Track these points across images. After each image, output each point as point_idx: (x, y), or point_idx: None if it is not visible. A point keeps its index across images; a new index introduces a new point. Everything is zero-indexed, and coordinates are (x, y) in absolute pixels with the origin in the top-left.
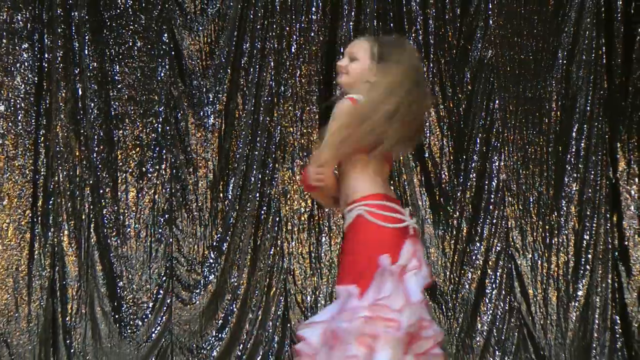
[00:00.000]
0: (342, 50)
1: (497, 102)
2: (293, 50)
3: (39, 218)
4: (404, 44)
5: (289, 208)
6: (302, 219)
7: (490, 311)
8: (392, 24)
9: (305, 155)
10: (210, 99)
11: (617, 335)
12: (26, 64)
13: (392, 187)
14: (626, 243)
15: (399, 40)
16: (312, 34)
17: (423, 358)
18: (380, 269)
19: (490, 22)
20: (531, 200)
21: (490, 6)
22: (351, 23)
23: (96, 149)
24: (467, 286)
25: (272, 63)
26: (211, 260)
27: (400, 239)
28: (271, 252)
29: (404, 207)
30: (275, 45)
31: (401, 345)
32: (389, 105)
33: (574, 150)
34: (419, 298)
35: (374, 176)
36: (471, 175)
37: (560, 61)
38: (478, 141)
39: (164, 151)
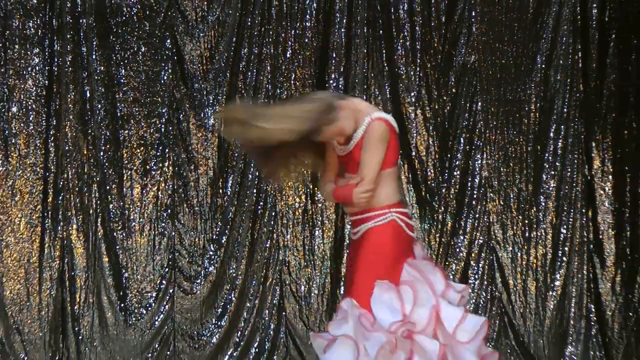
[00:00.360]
0: (334, 55)
1: (479, 104)
2: (288, 55)
3: (49, 213)
4: None
5: (284, 203)
6: (297, 213)
7: (473, 300)
8: (381, 31)
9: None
10: (211, 101)
11: (592, 323)
12: (37, 68)
13: None
14: (600, 237)
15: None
16: (306, 40)
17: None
18: (407, 277)
19: (473, 29)
20: (511, 196)
21: (473, 14)
22: (343, 30)
23: (103, 147)
24: (451, 277)
25: (268, 67)
26: (211, 253)
27: (413, 242)
28: (267, 245)
29: None
30: (272, 51)
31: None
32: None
33: (551, 149)
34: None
35: (394, 185)
36: (455, 173)
37: (539, 65)
38: (462, 141)
39: (167, 150)
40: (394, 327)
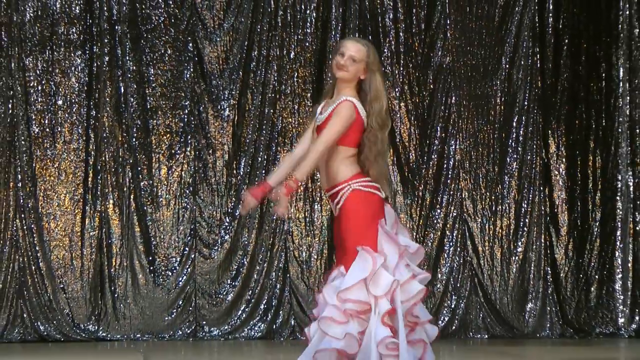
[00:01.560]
0: (330, 57)
1: (453, 98)
2: (292, 56)
3: (90, 190)
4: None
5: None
6: (299, 190)
7: (448, 264)
8: (370, 36)
9: None
10: (226, 96)
11: (549, 283)
12: (79, 67)
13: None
14: (556, 210)
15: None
16: (307, 44)
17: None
18: (381, 232)
19: (448, 34)
20: (480, 176)
21: (448, 22)
22: (338, 35)
23: (135, 135)
24: (429, 244)
25: (275, 67)
26: (226, 224)
27: (383, 205)
28: (274, 217)
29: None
30: (278, 53)
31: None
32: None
33: (514, 136)
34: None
35: (353, 162)
36: (433, 156)
37: (504, 66)
38: (438, 129)
39: (189, 137)
40: (341, 297)
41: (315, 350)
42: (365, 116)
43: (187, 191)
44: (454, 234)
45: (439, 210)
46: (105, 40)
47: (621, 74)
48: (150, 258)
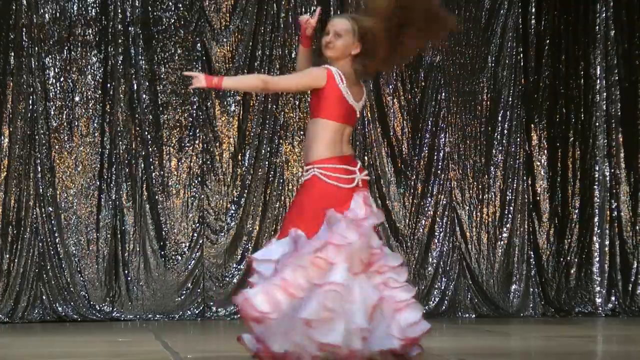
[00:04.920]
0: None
1: (443, 94)
2: (293, 56)
3: (105, 180)
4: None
5: (289, 172)
6: (300, 180)
7: (438, 249)
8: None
9: (302, 134)
10: (232, 92)
11: (532, 266)
12: (95, 65)
13: (366, 159)
14: (538, 198)
15: (366, 7)
16: None
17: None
18: (328, 217)
19: None
20: (468, 166)
21: None
22: None
23: (147, 129)
24: (421, 230)
25: (277, 65)
26: (232, 211)
27: (349, 195)
28: (277, 205)
29: (357, 161)
30: (280, 52)
31: (356, 263)
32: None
33: (499, 130)
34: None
35: (331, 138)
36: (424, 148)
37: (490, 64)
38: (429, 123)
39: (198, 131)
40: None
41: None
42: (346, 92)
43: (196, 181)
44: (444, 221)
45: (429, 199)
46: (120, 41)
47: (598, 72)
48: (162, 243)
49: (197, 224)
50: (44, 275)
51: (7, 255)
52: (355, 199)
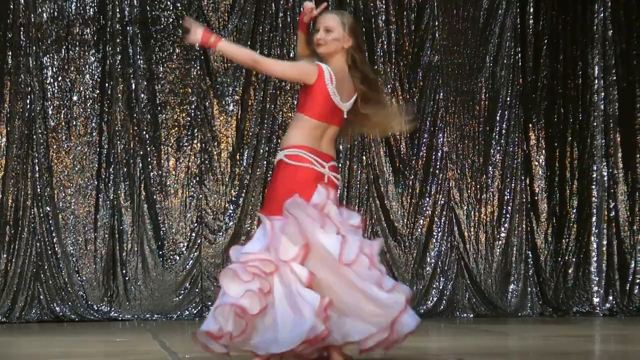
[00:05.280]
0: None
1: (441, 94)
2: (291, 55)
3: (103, 180)
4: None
5: None
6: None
7: (437, 248)
8: (364, 37)
9: None
10: (230, 92)
11: (530, 266)
12: (94, 65)
13: (364, 158)
14: (536, 198)
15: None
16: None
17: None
18: (290, 201)
19: (437, 35)
20: (466, 166)
21: (437, 23)
22: None
23: (145, 128)
24: (419, 230)
25: None
26: (230, 211)
27: (313, 182)
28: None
29: (332, 163)
30: (278, 52)
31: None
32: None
33: (497, 129)
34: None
35: (308, 132)
36: (423, 148)
37: (488, 64)
38: (428, 123)
39: (196, 130)
40: (243, 259)
41: (215, 307)
42: (333, 92)
43: (194, 181)
44: (442, 221)
45: (428, 199)
46: (118, 40)
47: (596, 72)
48: (160, 243)
49: (195, 224)
50: (42, 275)
51: (5, 255)
52: (319, 190)
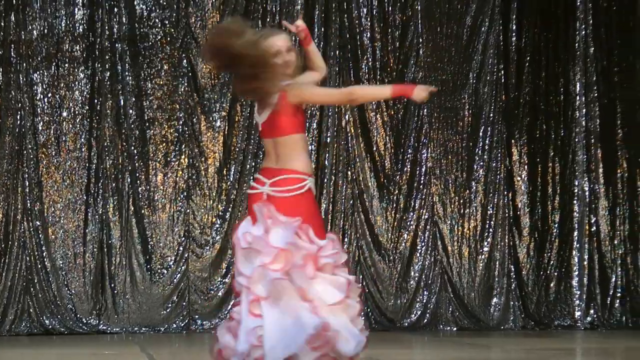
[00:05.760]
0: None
1: (425, 110)
2: None
3: (92, 194)
4: None
5: None
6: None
7: (420, 262)
8: (349, 54)
9: None
10: (217, 108)
11: (512, 280)
12: (83, 81)
13: (349, 173)
14: (518, 213)
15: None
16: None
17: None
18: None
19: (421, 52)
20: (450, 181)
21: (421, 41)
22: (320, 53)
23: (134, 144)
24: (403, 244)
25: None
26: (217, 225)
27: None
28: None
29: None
30: None
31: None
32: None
33: (480, 145)
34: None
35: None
36: (407, 164)
37: (471, 81)
38: (412, 139)
39: (183, 146)
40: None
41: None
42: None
43: (182, 196)
44: (426, 235)
45: (412, 213)
46: (107, 57)
47: (578, 88)
48: (148, 257)
49: (183, 238)
50: (32, 289)
51: None
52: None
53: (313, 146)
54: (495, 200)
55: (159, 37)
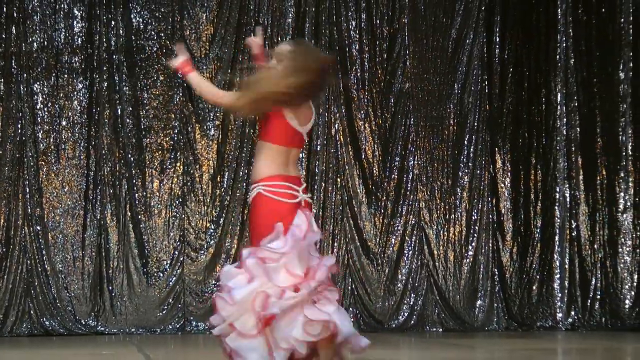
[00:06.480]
0: None
1: (412, 119)
2: None
3: (90, 200)
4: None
5: None
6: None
7: (407, 266)
8: (339, 65)
9: None
10: (211, 117)
11: (496, 282)
12: (82, 92)
13: (339, 180)
14: (502, 218)
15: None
16: None
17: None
18: (275, 232)
19: (408, 63)
20: (436, 188)
21: (408, 52)
22: None
23: (130, 152)
24: (391, 248)
25: None
26: (212, 230)
27: (293, 210)
28: None
29: (302, 183)
30: None
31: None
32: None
33: (465, 153)
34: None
35: (273, 161)
36: (394, 171)
37: (456, 91)
38: (399, 147)
39: (179, 153)
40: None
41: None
42: (291, 117)
43: (177, 202)
44: (413, 240)
45: (399, 219)
46: (104, 68)
47: (559, 98)
48: (144, 261)
49: (178, 243)
50: (32, 291)
51: None
52: (299, 215)
53: (304, 154)
54: (480, 205)
55: (155, 49)
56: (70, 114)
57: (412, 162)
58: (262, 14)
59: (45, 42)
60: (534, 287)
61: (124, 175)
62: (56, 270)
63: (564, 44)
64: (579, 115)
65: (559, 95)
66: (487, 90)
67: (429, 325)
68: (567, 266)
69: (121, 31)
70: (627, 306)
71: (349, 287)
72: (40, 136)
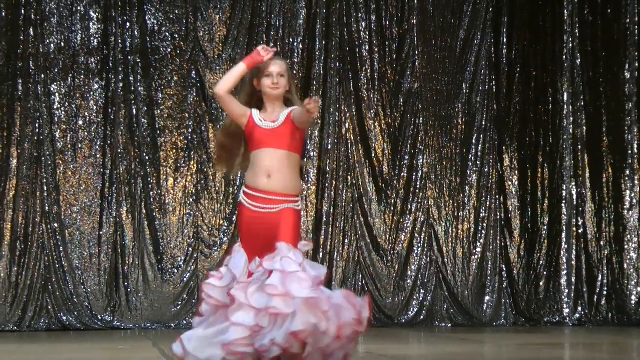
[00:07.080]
0: (315, 84)
1: (421, 119)
2: None
3: (106, 198)
4: None
5: None
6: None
7: (417, 262)
8: (349, 65)
9: None
10: (224, 116)
11: (504, 279)
12: (98, 92)
13: (349, 178)
14: (509, 215)
15: None
16: (294, 72)
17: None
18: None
19: (417, 64)
20: (444, 186)
21: (417, 53)
22: (321, 64)
23: (146, 150)
24: (401, 245)
25: None
26: (225, 227)
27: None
28: None
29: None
30: None
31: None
32: None
33: (473, 152)
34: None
35: (252, 169)
36: (404, 169)
37: (465, 91)
38: (408, 146)
39: (192, 152)
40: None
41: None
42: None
43: (191, 199)
44: (422, 237)
45: (408, 216)
46: (120, 69)
47: (565, 98)
48: (159, 257)
49: (192, 239)
50: (50, 287)
51: (15, 269)
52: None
53: (315, 153)
54: (488, 203)
55: (169, 50)
56: (86, 113)
57: (421, 161)
58: (274, 16)
59: (62, 44)
60: (542, 283)
61: (139, 173)
62: (73, 267)
63: (571, 45)
64: (585, 114)
65: (565, 94)
66: (494, 90)
67: (438, 320)
68: (573, 263)
69: (136, 33)
70: (633, 302)
71: (360, 283)
72: (58, 135)
